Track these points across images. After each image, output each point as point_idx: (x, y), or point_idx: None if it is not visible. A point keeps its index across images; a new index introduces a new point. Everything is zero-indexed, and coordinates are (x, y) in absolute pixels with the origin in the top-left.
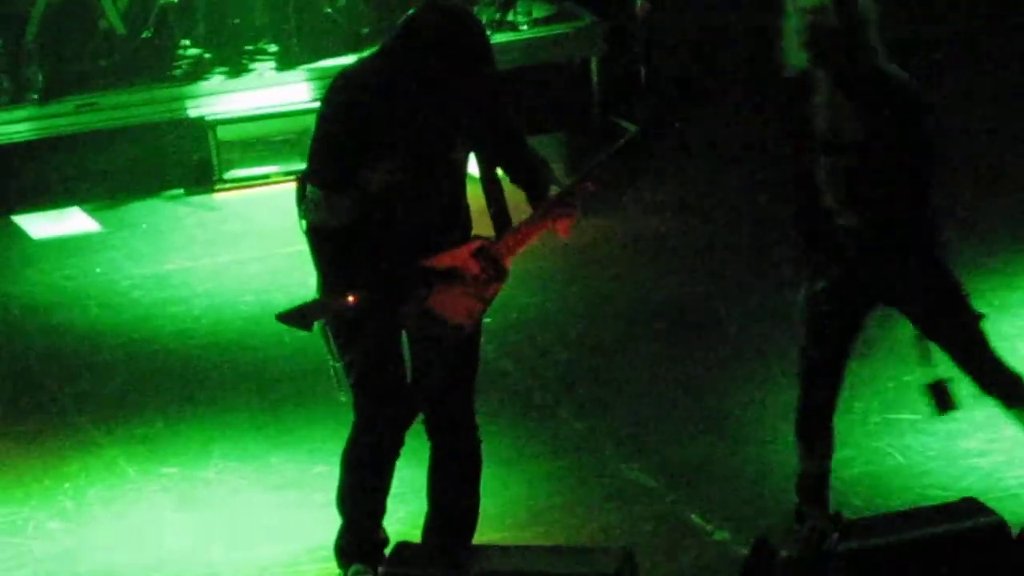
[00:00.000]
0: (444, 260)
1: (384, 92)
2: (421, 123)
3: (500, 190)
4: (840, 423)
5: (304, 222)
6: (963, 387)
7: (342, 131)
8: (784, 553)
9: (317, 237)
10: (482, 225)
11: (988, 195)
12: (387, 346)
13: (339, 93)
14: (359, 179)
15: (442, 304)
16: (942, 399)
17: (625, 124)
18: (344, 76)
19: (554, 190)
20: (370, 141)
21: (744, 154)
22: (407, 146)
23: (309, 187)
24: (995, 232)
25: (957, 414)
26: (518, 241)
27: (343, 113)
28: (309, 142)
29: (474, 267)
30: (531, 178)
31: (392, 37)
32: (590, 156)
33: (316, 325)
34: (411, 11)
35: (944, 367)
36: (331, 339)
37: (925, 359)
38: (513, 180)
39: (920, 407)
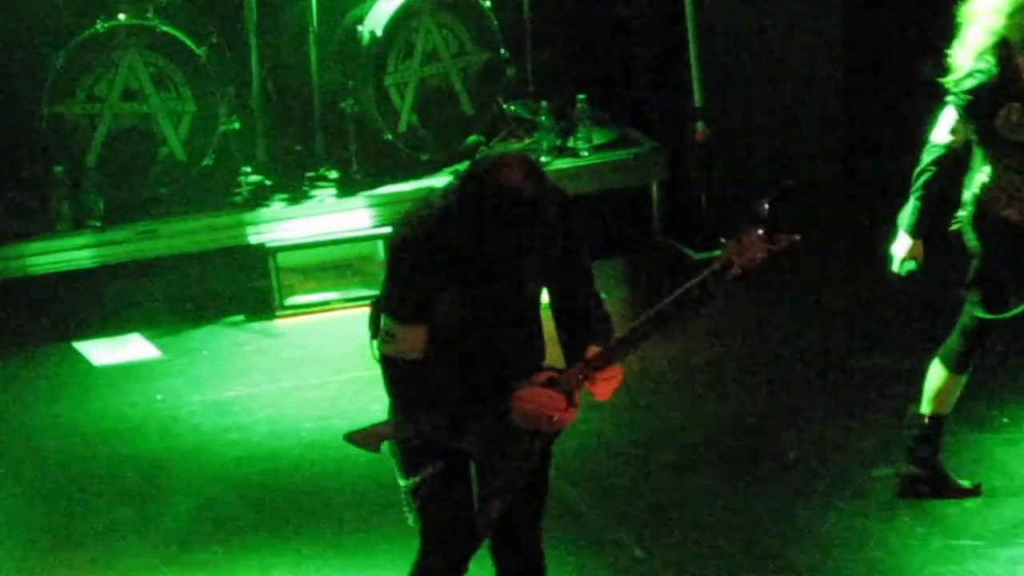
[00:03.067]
0: (517, 396)
1: (453, 231)
2: (489, 264)
3: None
4: (900, 548)
5: (377, 351)
6: None
7: (415, 265)
8: None
9: (389, 366)
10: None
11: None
12: (455, 471)
13: (411, 226)
14: (432, 312)
15: (516, 420)
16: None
17: (686, 250)
18: (418, 208)
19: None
20: (442, 276)
21: (795, 281)
22: (479, 283)
23: (383, 317)
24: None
25: (1018, 538)
26: (587, 375)
27: (415, 247)
28: (370, 268)
29: (545, 399)
30: (588, 331)
31: (457, 181)
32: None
33: (385, 446)
34: (478, 147)
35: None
36: (400, 461)
37: None
38: (565, 336)
39: (982, 532)
